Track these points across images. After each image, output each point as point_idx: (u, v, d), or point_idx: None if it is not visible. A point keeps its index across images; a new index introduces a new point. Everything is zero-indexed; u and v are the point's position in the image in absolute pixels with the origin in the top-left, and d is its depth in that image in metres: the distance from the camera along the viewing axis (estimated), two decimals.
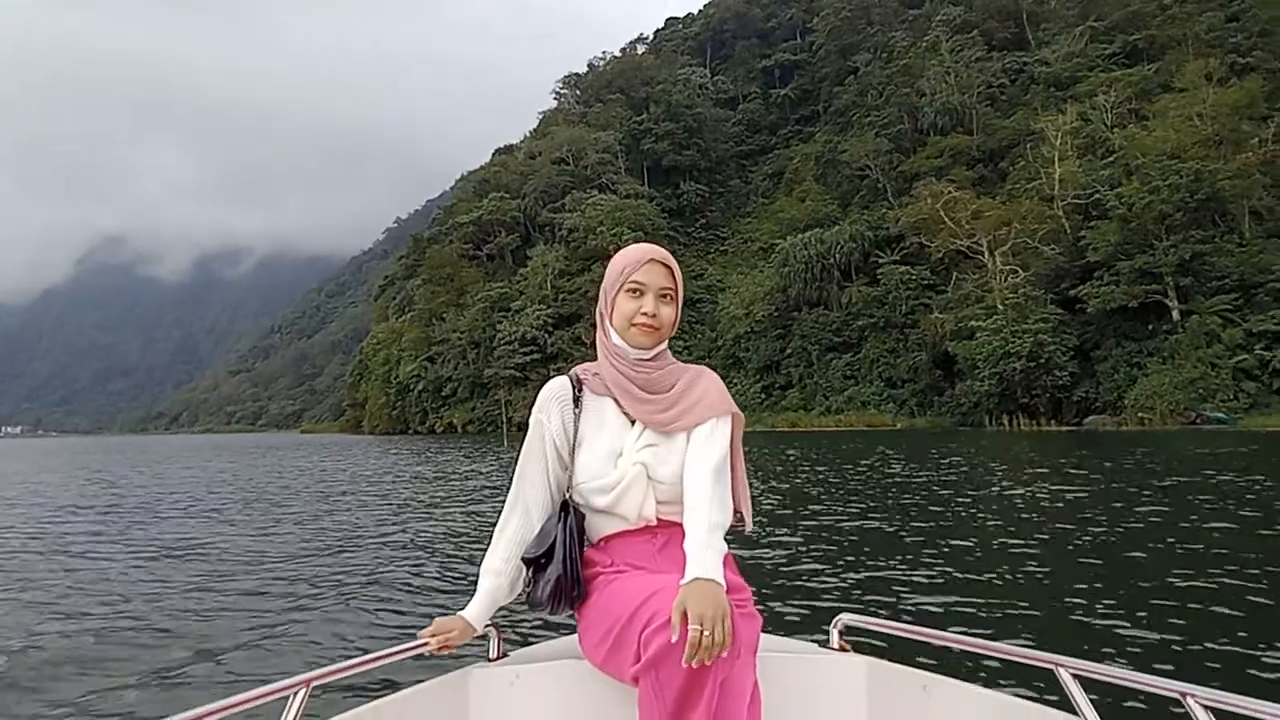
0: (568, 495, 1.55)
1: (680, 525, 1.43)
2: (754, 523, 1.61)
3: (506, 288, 69.40)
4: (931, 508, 9.64)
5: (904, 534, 7.66)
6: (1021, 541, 7.10)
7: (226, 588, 6.09)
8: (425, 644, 1.45)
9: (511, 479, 1.59)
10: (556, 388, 1.59)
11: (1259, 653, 3.73)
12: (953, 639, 1.53)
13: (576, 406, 1.56)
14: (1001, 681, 3.03)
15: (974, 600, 4.96)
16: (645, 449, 1.50)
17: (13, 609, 5.62)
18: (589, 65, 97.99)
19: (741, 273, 63.43)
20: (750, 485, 1.62)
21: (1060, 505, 9.50)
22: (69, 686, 3.85)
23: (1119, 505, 9.28)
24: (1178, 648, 3.90)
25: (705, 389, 1.53)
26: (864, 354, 50.47)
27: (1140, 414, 33.83)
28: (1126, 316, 37.00)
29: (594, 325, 1.65)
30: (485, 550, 1.58)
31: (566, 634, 1.66)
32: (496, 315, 67.31)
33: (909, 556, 6.44)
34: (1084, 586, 5.23)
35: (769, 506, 9.91)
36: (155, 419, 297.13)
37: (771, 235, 63.36)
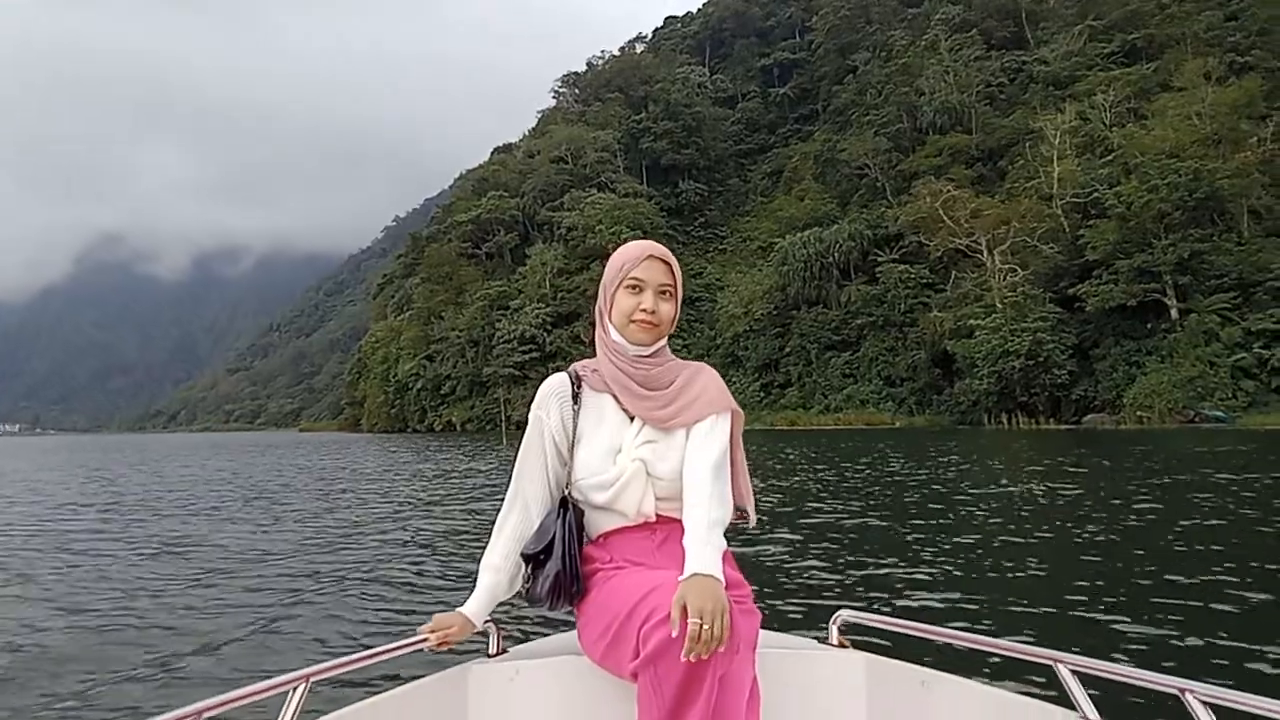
0: (567, 491, 1.55)
1: (679, 522, 1.43)
2: (755, 519, 1.61)
3: (505, 286, 69.37)
4: (930, 505, 9.65)
5: (903, 531, 7.67)
6: (1020, 538, 7.11)
7: (227, 584, 6.09)
8: (425, 640, 1.45)
9: (510, 475, 1.59)
10: (556, 384, 1.59)
11: (1257, 649, 3.73)
12: (952, 635, 1.53)
13: (576, 403, 1.56)
14: (1000, 678, 3.03)
15: (973, 597, 4.97)
16: (644, 445, 1.50)
17: (13, 605, 5.62)
18: (588, 64, 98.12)
19: (740, 271, 63.39)
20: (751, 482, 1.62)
21: (1059, 503, 9.51)
22: (70, 682, 3.85)
23: (1117, 503, 9.29)
24: (1177, 643, 3.90)
25: (704, 385, 1.53)
26: (863, 352, 50.48)
27: (1139, 412, 33.85)
28: (1125, 315, 37.02)
29: (593, 323, 1.65)
30: (484, 547, 1.58)
31: (566, 630, 1.67)
32: (495, 314, 67.30)
33: (908, 553, 6.45)
34: (1083, 583, 5.24)
35: (768, 504, 9.91)
36: (154, 417, 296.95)
37: (770, 234, 63.34)
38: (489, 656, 1.56)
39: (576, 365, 1.62)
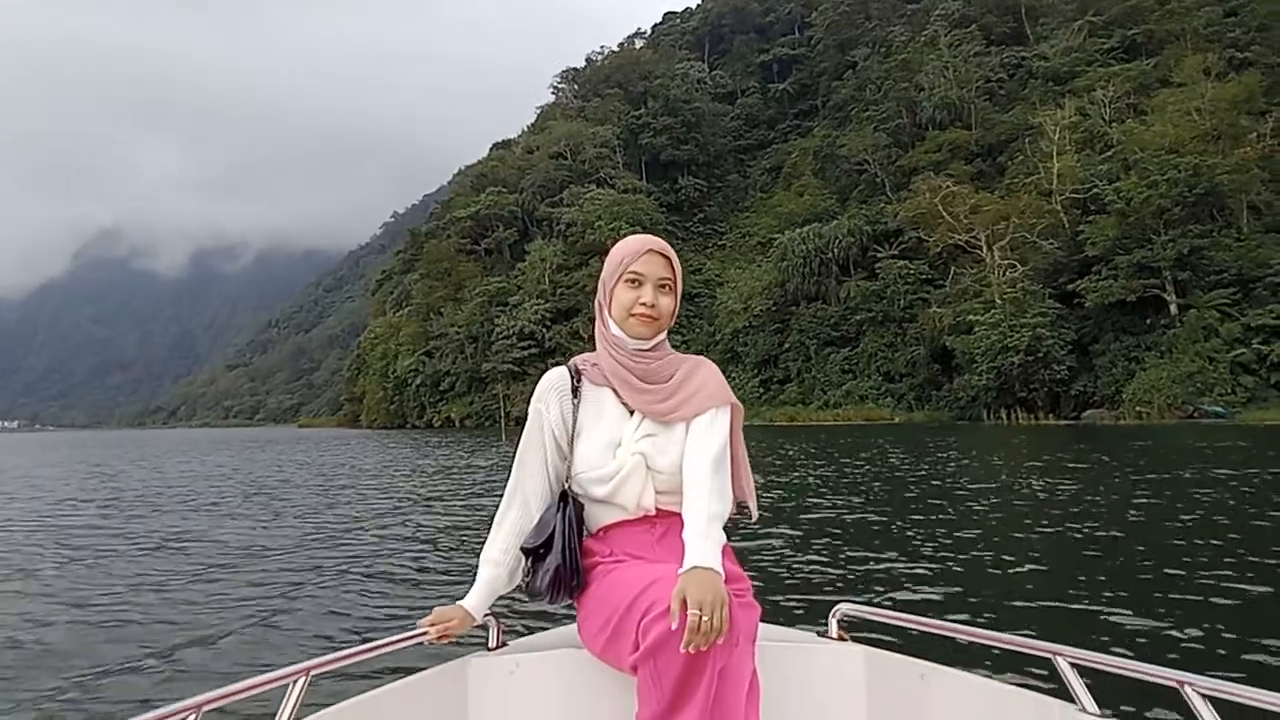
0: (567, 485, 1.56)
1: (679, 515, 1.43)
2: (757, 513, 1.61)
3: (504, 282, 69.32)
4: (930, 500, 9.66)
5: (902, 526, 7.68)
6: (1020, 533, 7.12)
7: (227, 579, 6.10)
8: (425, 633, 1.46)
9: (510, 470, 1.60)
10: (555, 378, 1.59)
11: (1257, 642, 3.74)
12: (951, 628, 1.53)
13: (575, 397, 1.56)
14: (1000, 671, 3.03)
15: (972, 590, 4.98)
16: (644, 439, 1.50)
17: (14, 600, 5.63)
18: (587, 60, 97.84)
19: (739, 267, 63.37)
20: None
21: (1058, 498, 9.52)
22: (71, 675, 3.86)
23: (1117, 497, 9.31)
24: (1176, 635, 3.91)
25: (704, 379, 1.53)
26: (862, 348, 50.50)
27: (1138, 408, 33.90)
28: (1124, 311, 37.05)
29: (592, 319, 1.65)
30: (484, 541, 1.58)
31: (566, 623, 1.67)
32: (494, 310, 67.26)
33: (908, 548, 6.47)
34: (1082, 577, 5.25)
35: (768, 500, 9.92)
36: (153, 413, 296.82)
37: (770, 230, 63.29)
38: (489, 650, 1.56)
39: (576, 359, 1.62)
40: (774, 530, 7.48)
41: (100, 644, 4.43)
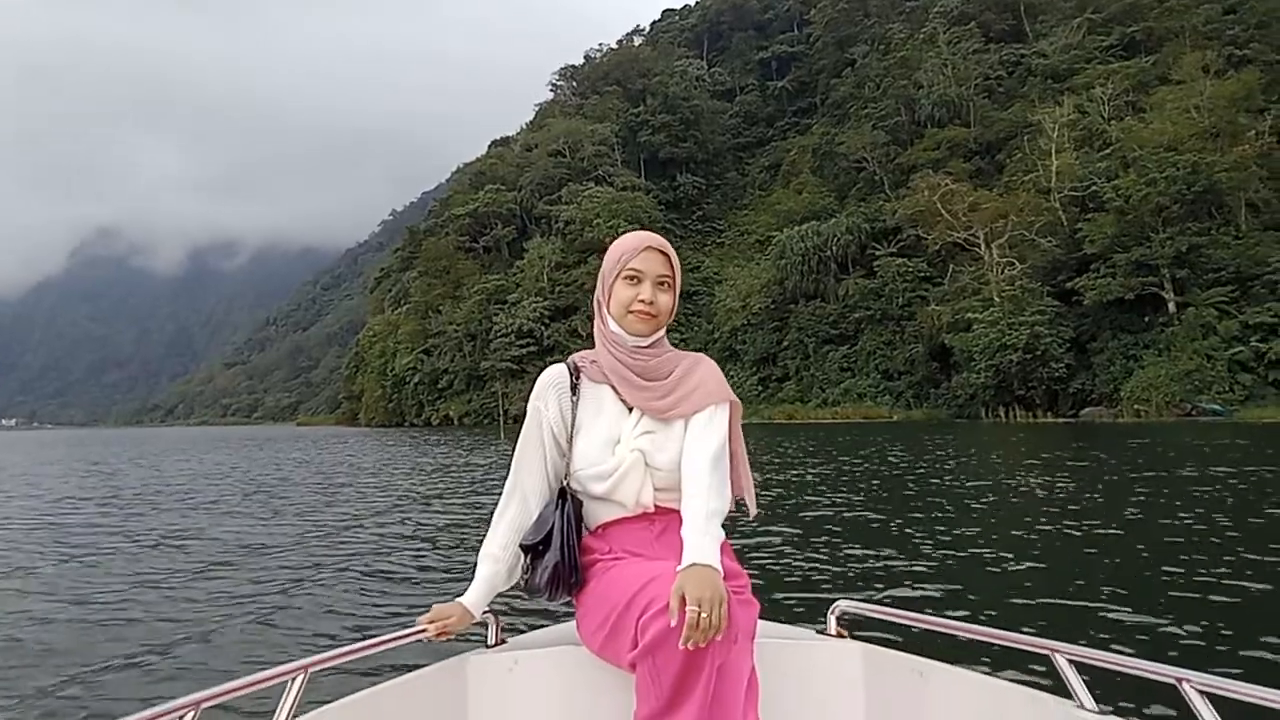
0: (565, 482, 1.55)
1: (678, 512, 1.43)
2: (756, 511, 1.61)
3: (503, 280, 69.29)
4: (928, 498, 9.67)
5: (901, 523, 7.69)
6: (1018, 530, 7.13)
7: (226, 576, 6.10)
8: (424, 630, 1.46)
9: (509, 467, 1.60)
10: (554, 375, 1.59)
11: (1254, 639, 3.75)
12: (950, 625, 1.54)
13: (574, 393, 1.56)
14: (998, 668, 3.04)
15: (971, 587, 4.99)
16: (643, 436, 1.50)
17: (13, 598, 5.62)
18: (585, 57, 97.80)
19: (738, 265, 63.34)
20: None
21: (1056, 495, 9.53)
22: (70, 673, 3.86)
23: (1115, 495, 9.33)
24: (1174, 631, 3.92)
25: (703, 377, 1.53)
26: (861, 346, 50.52)
27: (1136, 406, 33.94)
28: (1123, 309, 37.09)
29: (591, 316, 1.65)
30: (483, 538, 1.58)
31: (565, 620, 1.67)
32: (493, 308, 67.23)
33: (906, 545, 6.47)
34: (1080, 574, 5.26)
35: (767, 498, 9.93)
36: (150, 411, 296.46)
37: (768, 227, 63.30)
38: (488, 647, 1.56)
39: (575, 356, 1.62)
40: (773, 528, 7.49)
41: (99, 641, 4.43)
